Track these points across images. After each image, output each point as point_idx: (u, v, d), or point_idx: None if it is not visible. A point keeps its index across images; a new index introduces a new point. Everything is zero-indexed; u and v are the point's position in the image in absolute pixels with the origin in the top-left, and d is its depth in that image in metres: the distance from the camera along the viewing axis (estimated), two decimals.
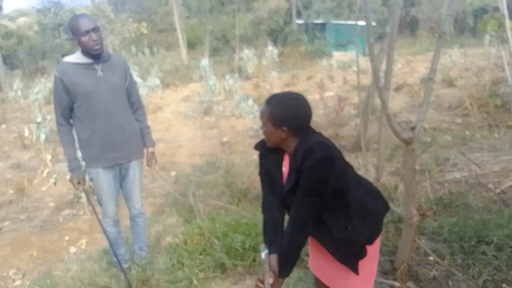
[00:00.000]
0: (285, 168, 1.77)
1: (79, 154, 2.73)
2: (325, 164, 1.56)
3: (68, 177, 2.67)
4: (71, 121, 2.66)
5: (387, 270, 2.80)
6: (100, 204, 2.82)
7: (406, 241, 2.69)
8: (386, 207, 1.87)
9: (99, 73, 2.55)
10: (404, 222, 2.66)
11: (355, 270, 1.76)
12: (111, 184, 2.74)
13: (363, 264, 1.79)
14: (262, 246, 1.78)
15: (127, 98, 2.74)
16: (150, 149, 2.90)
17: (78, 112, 2.59)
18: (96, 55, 2.50)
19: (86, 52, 2.49)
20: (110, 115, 2.61)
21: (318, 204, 1.63)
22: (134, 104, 2.80)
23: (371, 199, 1.80)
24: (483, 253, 2.84)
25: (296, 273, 2.83)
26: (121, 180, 2.83)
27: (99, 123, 2.59)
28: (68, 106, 2.58)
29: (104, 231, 2.79)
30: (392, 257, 2.89)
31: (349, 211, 1.71)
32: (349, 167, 1.75)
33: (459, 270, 2.74)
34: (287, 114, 1.61)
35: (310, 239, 1.90)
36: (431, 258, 2.89)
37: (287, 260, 1.72)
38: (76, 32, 2.41)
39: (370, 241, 1.77)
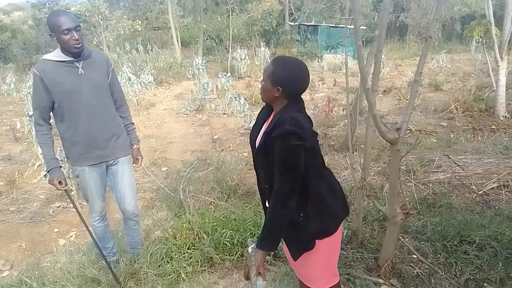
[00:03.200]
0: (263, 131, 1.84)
1: (58, 153, 2.70)
2: (291, 137, 1.63)
3: (47, 178, 2.61)
4: (51, 121, 2.60)
5: (371, 267, 2.86)
6: (87, 200, 2.81)
7: (390, 239, 2.76)
8: (345, 210, 1.94)
9: (80, 70, 2.49)
10: (389, 221, 2.73)
11: (294, 257, 1.85)
12: (97, 181, 2.72)
13: (312, 257, 1.85)
14: (250, 240, 1.84)
15: (110, 95, 2.70)
16: (135, 146, 2.87)
17: (59, 111, 2.53)
18: (76, 53, 2.44)
19: (66, 50, 2.42)
20: (93, 113, 2.56)
21: (294, 178, 1.68)
22: (117, 101, 2.76)
23: (331, 196, 1.85)
24: (465, 252, 2.92)
25: (283, 268, 2.90)
26: (111, 179, 2.80)
27: (82, 121, 2.54)
28: (48, 106, 2.51)
29: (88, 228, 2.78)
30: (376, 255, 2.96)
31: (305, 199, 1.76)
32: (318, 157, 1.82)
33: (441, 268, 2.82)
34: (285, 77, 1.71)
35: None
36: (414, 256, 2.96)
37: (269, 234, 1.75)
38: (57, 30, 2.34)
39: (320, 236, 1.82)
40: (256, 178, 2.02)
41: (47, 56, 2.48)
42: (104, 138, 2.64)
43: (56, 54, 2.46)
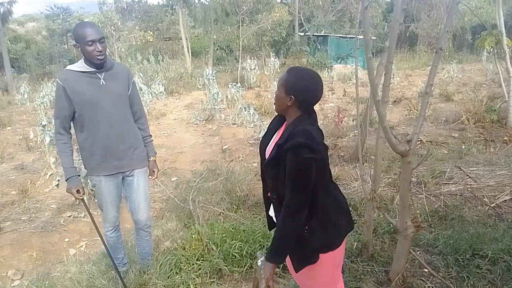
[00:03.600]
0: (274, 141, 1.84)
1: (76, 162, 2.75)
2: (303, 150, 1.63)
3: (59, 187, 2.70)
4: (71, 130, 2.65)
5: (382, 281, 2.82)
6: (101, 210, 2.84)
7: (401, 252, 2.72)
8: (349, 225, 1.94)
9: (102, 81, 2.55)
10: (400, 233, 2.70)
11: (296, 269, 1.85)
12: (112, 191, 2.75)
13: (316, 270, 1.85)
14: (259, 253, 1.83)
15: (130, 107, 2.74)
16: (152, 158, 2.90)
17: (79, 121, 2.58)
18: (98, 64, 2.50)
19: (89, 61, 2.49)
20: (112, 124, 2.60)
21: (305, 191, 1.68)
22: (136, 112, 2.80)
23: (336, 210, 1.86)
24: (478, 266, 2.87)
25: (292, 280, 2.87)
26: (126, 189, 2.83)
27: (101, 132, 2.58)
28: (69, 115, 2.56)
29: (101, 237, 2.79)
30: (387, 268, 2.92)
31: (311, 212, 1.75)
32: (326, 171, 1.83)
33: (453, 283, 2.77)
34: (298, 86, 1.73)
35: None
36: (426, 270, 2.91)
37: (278, 246, 1.75)
38: (82, 41, 2.41)
39: (324, 250, 1.82)
40: (262, 187, 2.03)
41: (71, 67, 2.55)
42: (122, 149, 2.68)
43: (79, 65, 2.53)
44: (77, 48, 2.48)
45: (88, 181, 3.31)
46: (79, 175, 2.72)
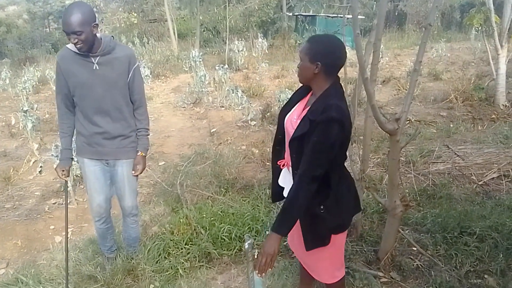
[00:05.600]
0: (298, 112, 1.82)
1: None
2: (334, 124, 1.62)
3: (54, 165, 2.68)
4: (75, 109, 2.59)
5: (371, 260, 2.84)
6: (88, 195, 2.78)
7: (390, 232, 2.73)
8: (357, 208, 1.97)
9: (95, 66, 2.43)
10: (388, 213, 2.69)
11: (307, 247, 1.84)
12: (98, 176, 2.66)
13: (326, 251, 1.85)
14: (247, 236, 1.80)
15: (129, 95, 2.59)
16: (140, 153, 2.71)
17: (73, 100, 2.54)
18: (88, 49, 2.37)
19: None
20: (101, 110, 2.51)
21: (324, 165, 1.67)
22: (135, 101, 2.64)
23: (347, 190, 1.87)
24: (466, 244, 2.90)
25: (281, 262, 2.86)
26: (112, 177, 2.74)
27: (89, 115, 2.52)
28: (69, 94, 2.51)
29: (67, 229, 2.77)
30: (376, 247, 2.93)
31: (327, 190, 1.75)
32: (347, 149, 1.83)
33: (441, 260, 2.80)
34: (324, 51, 1.71)
35: None
36: (414, 248, 2.93)
37: (287, 217, 1.72)
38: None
39: (336, 231, 1.84)
40: (272, 155, 2.02)
41: (70, 45, 2.45)
42: (108, 137, 2.58)
43: None
44: None
45: (77, 163, 3.20)
46: (72, 158, 2.70)
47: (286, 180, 1.95)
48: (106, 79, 2.47)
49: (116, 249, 3.02)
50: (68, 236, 3.62)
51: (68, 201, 2.72)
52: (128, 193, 2.78)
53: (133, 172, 2.73)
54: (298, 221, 1.77)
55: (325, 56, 1.70)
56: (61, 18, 2.34)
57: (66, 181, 2.70)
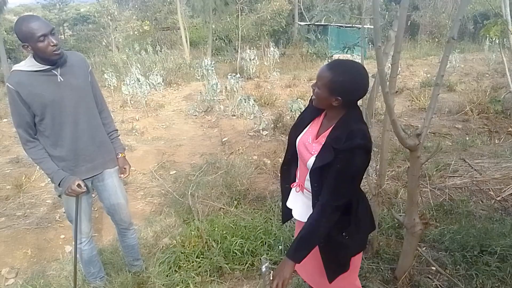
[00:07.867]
0: (312, 134, 1.73)
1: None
2: (360, 152, 1.55)
3: (63, 191, 2.37)
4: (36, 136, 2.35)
5: (388, 279, 2.75)
6: (71, 221, 2.56)
7: (408, 250, 2.64)
8: (372, 225, 1.90)
9: (59, 78, 2.24)
10: (407, 231, 2.60)
11: (330, 278, 1.77)
12: (85, 199, 2.52)
13: (346, 275, 1.80)
14: (263, 258, 1.75)
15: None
16: (121, 155, 2.64)
17: (41, 126, 2.28)
18: (54, 60, 2.19)
19: (41, 58, 2.17)
20: (78, 122, 2.34)
21: (348, 193, 1.61)
22: (97, 105, 2.50)
23: (365, 213, 1.82)
24: (487, 264, 2.79)
25: (294, 279, 2.78)
26: (101, 193, 2.61)
27: (67, 133, 2.32)
28: (31, 121, 2.25)
29: (76, 247, 2.62)
30: (392, 265, 2.84)
31: (349, 217, 1.69)
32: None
33: (461, 281, 2.69)
34: (347, 87, 1.57)
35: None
36: (433, 268, 2.84)
37: (305, 245, 1.66)
38: (31, 38, 2.07)
39: (355, 253, 1.80)
40: (281, 177, 1.97)
41: (19, 67, 2.21)
42: (92, 149, 2.44)
43: (29, 64, 2.20)
44: (27, 48, 2.12)
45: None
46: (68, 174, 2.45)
47: (295, 202, 1.89)
48: (74, 89, 2.31)
49: (104, 276, 2.86)
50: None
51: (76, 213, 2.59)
52: (124, 203, 2.70)
53: (122, 175, 2.66)
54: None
55: (347, 93, 1.57)
56: (23, 29, 2.08)
57: (79, 196, 2.47)
